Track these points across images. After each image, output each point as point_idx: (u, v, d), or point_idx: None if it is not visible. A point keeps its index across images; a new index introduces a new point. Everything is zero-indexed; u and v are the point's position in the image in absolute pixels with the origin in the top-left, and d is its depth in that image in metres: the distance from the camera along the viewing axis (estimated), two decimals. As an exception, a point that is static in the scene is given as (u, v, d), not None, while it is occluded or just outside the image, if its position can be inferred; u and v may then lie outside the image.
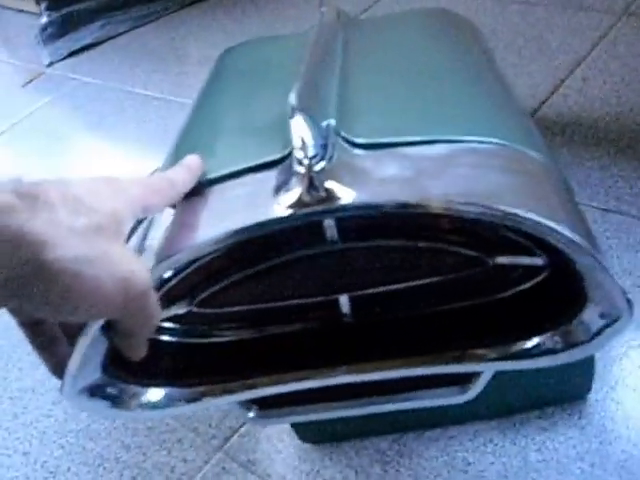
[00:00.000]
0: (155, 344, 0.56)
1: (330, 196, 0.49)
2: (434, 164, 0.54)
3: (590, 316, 0.49)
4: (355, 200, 0.48)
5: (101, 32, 1.98)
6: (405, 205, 0.48)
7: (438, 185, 0.50)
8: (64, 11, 2.02)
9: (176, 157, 0.70)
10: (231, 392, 0.58)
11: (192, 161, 0.56)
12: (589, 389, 0.76)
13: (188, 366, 0.59)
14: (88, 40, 1.96)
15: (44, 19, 2.05)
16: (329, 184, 0.49)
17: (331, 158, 0.52)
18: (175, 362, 0.59)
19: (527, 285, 0.55)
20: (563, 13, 1.45)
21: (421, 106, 0.65)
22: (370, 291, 0.59)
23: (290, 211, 0.48)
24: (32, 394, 1.00)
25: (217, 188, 0.55)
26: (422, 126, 0.60)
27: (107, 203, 0.43)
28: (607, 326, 0.49)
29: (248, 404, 0.66)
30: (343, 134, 0.57)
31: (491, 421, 0.77)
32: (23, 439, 0.94)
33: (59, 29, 2.00)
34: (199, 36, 1.86)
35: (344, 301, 0.60)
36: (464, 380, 0.63)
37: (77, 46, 1.95)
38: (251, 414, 0.66)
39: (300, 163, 0.49)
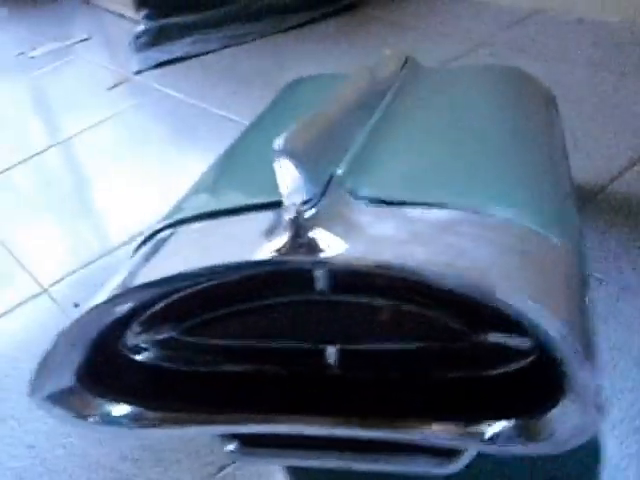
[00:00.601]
0: (130, 363, 0.59)
1: (313, 246, 0.51)
2: (431, 229, 0.56)
3: (559, 415, 0.49)
4: (335, 255, 0.50)
5: (192, 47, 2.08)
6: (381, 266, 0.49)
7: (424, 251, 0.52)
8: (161, 22, 2.14)
9: (197, 184, 0.74)
10: (198, 423, 0.60)
11: None
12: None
13: (162, 390, 0.62)
14: (178, 54, 2.06)
15: (140, 27, 2.17)
16: (316, 233, 0.51)
17: (327, 207, 0.54)
18: (148, 384, 0.62)
19: (512, 367, 0.56)
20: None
21: (445, 169, 0.67)
22: (356, 347, 0.60)
23: (268, 256, 0.50)
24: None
25: (217, 222, 0.59)
26: (436, 189, 0.62)
27: None
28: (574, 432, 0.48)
29: (229, 438, 0.68)
30: (348, 185, 0.59)
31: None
32: (31, 432, 0.99)
33: (152, 39, 2.11)
34: (288, 63, 1.93)
35: (330, 352, 0.61)
36: (451, 452, 0.63)
37: (166, 58, 2.05)
38: (230, 447, 0.67)
39: (288, 209, 0.51)
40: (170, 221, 0.64)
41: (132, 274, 0.54)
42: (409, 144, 0.72)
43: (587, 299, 0.55)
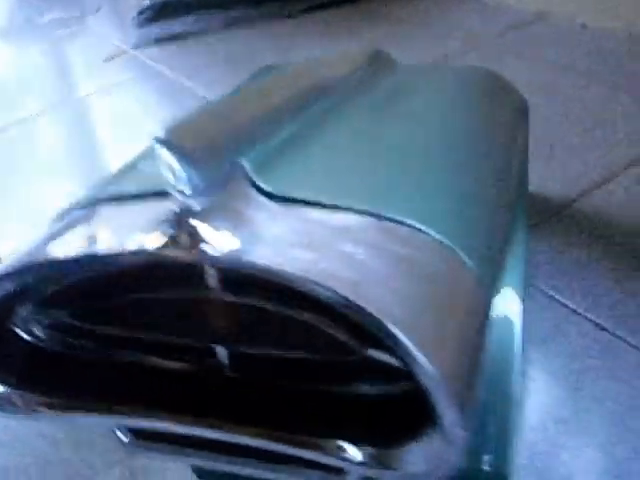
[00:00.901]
0: (21, 343, 0.57)
1: (193, 241, 0.48)
2: (329, 234, 0.53)
3: (415, 450, 0.46)
4: (212, 252, 0.48)
5: (192, 26, 2.05)
6: (258, 270, 0.47)
7: (311, 258, 0.49)
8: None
9: (126, 164, 0.72)
10: (88, 412, 0.58)
11: None
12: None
13: (52, 375, 0.60)
14: (177, 30, 2.03)
15: (145, 2, 2.14)
16: (200, 227, 0.49)
17: (220, 200, 0.51)
18: (39, 368, 0.60)
19: (391, 389, 0.52)
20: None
21: (365, 175, 0.65)
22: (245, 349, 0.57)
23: (141, 249, 0.48)
24: None
25: (109, 208, 0.56)
26: (348, 193, 0.59)
27: None
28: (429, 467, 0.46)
29: (124, 429, 0.65)
30: (254, 179, 0.56)
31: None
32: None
33: (154, 15, 2.08)
34: (284, 49, 1.89)
35: (222, 353, 0.59)
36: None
37: (165, 34, 2.02)
38: (124, 439, 0.65)
39: (174, 200, 0.49)
40: (81, 200, 0.62)
41: (24, 252, 0.52)
42: (337, 145, 0.69)
43: (483, 332, 0.52)
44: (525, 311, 0.92)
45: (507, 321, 0.77)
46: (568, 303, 0.94)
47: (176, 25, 2.07)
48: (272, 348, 0.57)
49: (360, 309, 0.44)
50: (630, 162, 1.22)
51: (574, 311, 0.93)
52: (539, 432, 0.78)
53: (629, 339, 0.88)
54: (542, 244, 1.04)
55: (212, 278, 0.54)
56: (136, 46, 2.02)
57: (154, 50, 2.00)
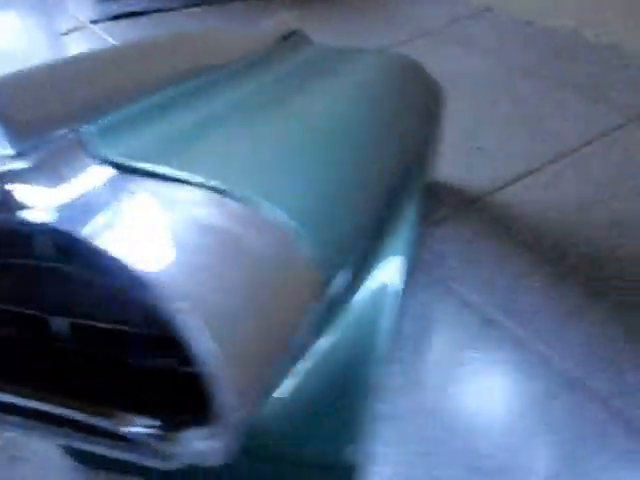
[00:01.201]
0: None
1: (8, 203, 0.47)
2: (153, 205, 0.52)
3: (196, 430, 0.45)
4: (24, 217, 0.46)
5: (151, 3, 2.02)
6: (48, 231, 0.45)
7: (119, 229, 0.48)
8: (127, -26, 2.08)
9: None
10: None
11: None
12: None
13: None
14: (135, 7, 2.00)
15: (107, -23, 2.12)
16: (17, 190, 0.47)
17: (41, 163, 0.50)
18: None
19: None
20: (579, 99, 1.37)
21: (228, 152, 0.63)
22: (66, 319, 0.56)
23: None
24: None
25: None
26: (198, 167, 0.58)
27: None
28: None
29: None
30: (91, 145, 0.55)
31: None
32: None
33: (115, -10, 2.06)
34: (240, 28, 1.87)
35: (56, 323, 0.57)
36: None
37: (124, 10, 2.00)
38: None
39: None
40: None
41: None
42: (210, 121, 0.68)
43: (297, 319, 0.51)
44: (419, 301, 0.92)
45: (374, 309, 0.76)
46: (465, 294, 0.93)
47: (135, 3, 2.05)
48: (85, 318, 0.55)
49: (148, 286, 0.43)
50: (553, 158, 1.21)
51: (467, 303, 0.92)
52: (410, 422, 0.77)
53: (519, 331, 0.87)
54: (449, 235, 1.03)
55: (40, 244, 0.52)
56: (94, 20, 2.00)
57: (111, 25, 1.97)
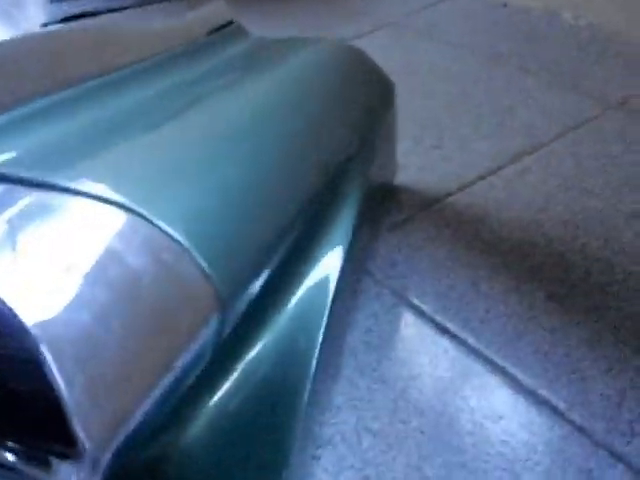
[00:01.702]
0: None
1: None
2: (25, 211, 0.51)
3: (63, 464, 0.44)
4: None
5: (103, 3, 2.00)
6: None
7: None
8: (78, -26, 2.07)
9: None
10: None
11: None
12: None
13: None
14: (87, 7, 1.98)
15: (59, -23, 2.10)
16: None
17: None
18: None
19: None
20: (552, 89, 1.35)
21: (118, 157, 0.62)
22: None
23: None
24: None
25: None
26: (82, 175, 0.56)
27: None
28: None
29: None
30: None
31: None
32: None
33: (66, -9, 2.04)
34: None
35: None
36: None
37: (74, 12, 1.98)
38: None
39: None
40: None
41: None
42: (105, 123, 0.67)
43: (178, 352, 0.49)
44: (368, 313, 0.90)
45: (306, 323, 0.74)
46: (417, 304, 0.92)
47: (86, 1, 2.03)
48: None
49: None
50: (520, 152, 1.18)
51: (422, 313, 0.90)
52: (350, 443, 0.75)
53: (472, 342, 0.86)
54: (403, 241, 1.00)
55: None
56: (45, 24, 1.98)
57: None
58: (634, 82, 1.37)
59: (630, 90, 1.35)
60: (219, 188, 0.62)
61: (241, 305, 0.59)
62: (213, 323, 0.53)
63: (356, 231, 0.83)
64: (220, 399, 0.65)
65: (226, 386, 0.65)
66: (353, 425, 0.76)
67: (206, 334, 0.53)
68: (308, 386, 0.69)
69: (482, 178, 1.13)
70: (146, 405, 0.46)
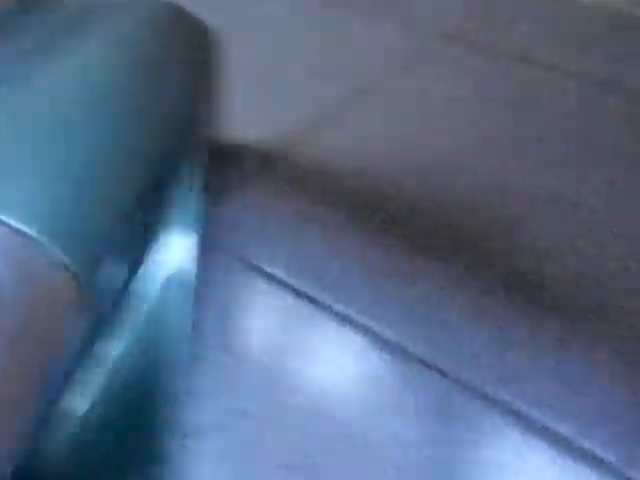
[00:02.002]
0: None
1: None
2: None
3: None
4: None
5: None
6: None
7: None
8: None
9: None
10: None
11: None
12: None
13: None
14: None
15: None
16: None
17: None
18: None
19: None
20: (385, 25, 1.33)
21: None
22: None
23: None
24: None
25: None
26: None
27: None
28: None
29: None
30: None
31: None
32: None
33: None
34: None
35: None
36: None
37: None
38: None
39: None
40: None
41: None
42: None
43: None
44: (221, 287, 0.86)
45: (166, 304, 0.72)
46: (270, 271, 0.88)
47: None
48: None
49: None
50: (359, 93, 1.16)
51: (277, 280, 0.87)
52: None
53: (339, 306, 0.84)
54: (247, 203, 0.96)
55: None
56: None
57: None
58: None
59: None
60: (58, 174, 0.57)
61: (104, 295, 0.57)
62: (77, 312, 0.52)
63: (197, 199, 0.79)
64: (89, 391, 0.64)
65: (95, 377, 0.64)
66: (227, 409, 0.73)
67: (71, 324, 0.52)
68: (176, 373, 0.68)
69: (323, 126, 1.10)
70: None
